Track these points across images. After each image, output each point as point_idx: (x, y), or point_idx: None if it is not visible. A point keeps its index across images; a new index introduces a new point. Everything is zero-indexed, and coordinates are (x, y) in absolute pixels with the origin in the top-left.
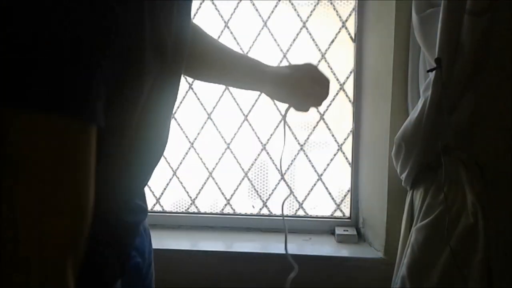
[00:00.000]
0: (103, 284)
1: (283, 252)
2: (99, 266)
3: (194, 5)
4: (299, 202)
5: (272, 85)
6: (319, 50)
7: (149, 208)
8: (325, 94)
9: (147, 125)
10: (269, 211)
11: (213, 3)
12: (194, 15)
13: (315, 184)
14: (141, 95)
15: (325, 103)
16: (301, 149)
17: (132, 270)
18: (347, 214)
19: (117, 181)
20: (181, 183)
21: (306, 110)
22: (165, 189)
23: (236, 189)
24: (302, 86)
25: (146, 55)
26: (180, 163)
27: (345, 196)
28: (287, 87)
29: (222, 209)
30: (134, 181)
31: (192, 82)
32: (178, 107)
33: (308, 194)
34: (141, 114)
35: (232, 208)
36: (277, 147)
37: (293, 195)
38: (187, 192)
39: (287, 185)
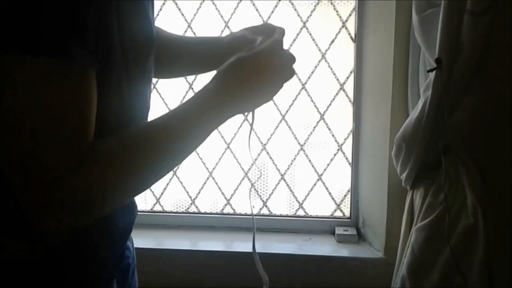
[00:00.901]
0: (101, 282)
1: (283, 252)
2: (98, 265)
3: (195, 5)
4: (299, 202)
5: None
6: (319, 50)
7: (149, 208)
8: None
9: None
10: (269, 211)
11: (213, 3)
12: (194, 15)
13: (315, 184)
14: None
15: (325, 102)
16: (301, 149)
17: (124, 269)
18: (347, 214)
19: None
20: (181, 183)
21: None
22: (165, 189)
23: (236, 189)
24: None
25: (113, 53)
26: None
27: (345, 196)
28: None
29: (222, 209)
30: None
31: (192, 82)
32: None
33: (308, 194)
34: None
35: (232, 208)
36: (277, 147)
37: (293, 195)
38: (187, 192)
39: (249, 181)
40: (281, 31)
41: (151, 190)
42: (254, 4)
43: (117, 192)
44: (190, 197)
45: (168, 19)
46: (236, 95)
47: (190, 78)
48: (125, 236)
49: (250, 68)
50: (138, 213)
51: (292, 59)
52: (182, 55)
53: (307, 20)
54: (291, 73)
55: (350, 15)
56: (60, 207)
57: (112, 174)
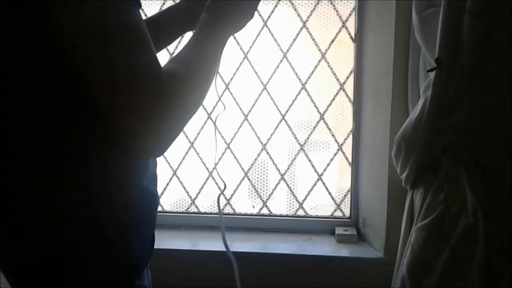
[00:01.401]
0: (138, 267)
1: (283, 252)
2: (135, 250)
3: None
4: (299, 202)
5: None
6: (319, 50)
7: None
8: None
9: None
10: (269, 211)
11: None
12: None
13: (315, 184)
14: None
15: (325, 102)
16: (301, 149)
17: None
18: (347, 214)
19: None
20: (181, 183)
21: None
22: (165, 189)
23: (236, 189)
24: None
25: None
26: (180, 163)
27: (345, 196)
28: None
29: (222, 209)
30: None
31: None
32: None
33: (308, 194)
34: None
35: (232, 208)
36: (277, 147)
37: (293, 195)
38: (187, 192)
39: (222, 180)
40: None
41: None
42: None
43: (190, 103)
44: (190, 197)
45: None
46: (225, 17)
47: None
48: (154, 222)
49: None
50: None
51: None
52: (157, 35)
53: (307, 20)
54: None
55: (350, 15)
56: (159, 129)
57: (186, 89)
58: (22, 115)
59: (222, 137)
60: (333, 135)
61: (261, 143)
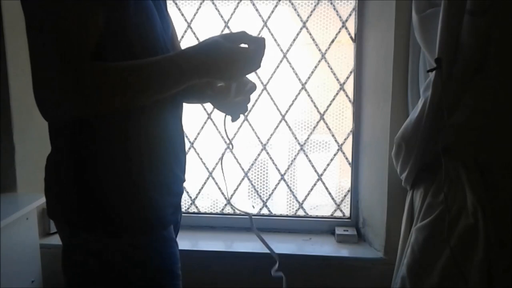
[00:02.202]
0: (164, 221)
1: (283, 252)
2: (161, 207)
3: (195, 5)
4: (299, 202)
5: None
6: (319, 50)
7: None
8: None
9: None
10: (269, 211)
11: (213, 3)
12: (194, 15)
13: (315, 184)
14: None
15: (325, 102)
16: (301, 149)
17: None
18: (347, 214)
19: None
20: None
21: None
22: None
23: (236, 189)
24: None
25: None
26: None
27: (345, 196)
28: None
29: (222, 209)
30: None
31: None
32: None
33: (308, 194)
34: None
35: (232, 208)
36: (277, 147)
37: (293, 195)
38: (187, 192)
39: (223, 174)
40: (261, 41)
41: None
42: (254, 4)
43: (104, 99)
44: (190, 197)
45: None
46: (203, 66)
47: None
48: (179, 187)
49: (220, 52)
50: None
51: (259, 61)
52: None
53: (307, 20)
54: (256, 66)
55: (350, 15)
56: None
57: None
58: None
59: (222, 137)
60: (333, 135)
61: (261, 143)
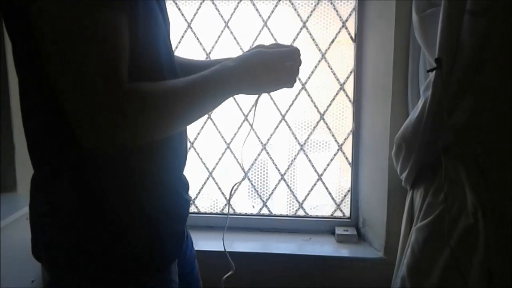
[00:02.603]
0: (166, 258)
1: (283, 252)
2: (164, 239)
3: (195, 5)
4: (299, 202)
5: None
6: (319, 50)
7: None
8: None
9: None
10: (269, 211)
11: (213, 3)
12: (194, 15)
13: (315, 184)
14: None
15: (325, 102)
16: (301, 149)
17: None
18: (347, 214)
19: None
20: None
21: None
22: None
23: (236, 189)
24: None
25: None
26: None
27: (345, 196)
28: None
29: (222, 209)
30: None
31: None
32: None
33: (308, 194)
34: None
35: (232, 208)
36: (277, 147)
37: (293, 195)
38: None
39: (243, 171)
40: (296, 49)
41: None
42: (254, 4)
43: (144, 124)
44: (190, 197)
45: None
46: (246, 77)
47: None
48: (185, 213)
49: (267, 60)
50: None
51: (298, 70)
52: None
53: (307, 20)
54: (292, 81)
55: (350, 15)
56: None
57: (142, 109)
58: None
59: (222, 137)
60: (333, 135)
61: (261, 143)
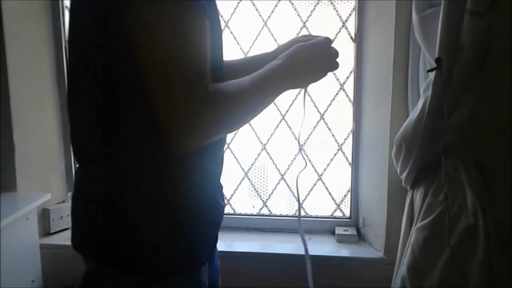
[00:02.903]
0: (201, 260)
1: (283, 252)
2: (200, 243)
3: None
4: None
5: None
6: None
7: None
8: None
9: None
10: (269, 211)
11: None
12: None
13: (315, 184)
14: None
15: (325, 102)
16: (301, 149)
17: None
18: (347, 214)
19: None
20: None
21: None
22: None
23: (236, 189)
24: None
25: None
26: None
27: (345, 196)
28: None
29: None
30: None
31: None
32: None
33: (308, 194)
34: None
35: (232, 208)
36: (277, 147)
37: (293, 195)
38: None
39: (304, 158)
40: (327, 37)
41: None
42: (254, 4)
43: (225, 124)
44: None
45: None
46: (295, 72)
47: None
48: (220, 220)
49: (307, 52)
50: None
51: (337, 54)
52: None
53: (307, 20)
54: (335, 65)
55: (350, 15)
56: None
57: (227, 109)
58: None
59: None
60: (333, 135)
61: (261, 143)
